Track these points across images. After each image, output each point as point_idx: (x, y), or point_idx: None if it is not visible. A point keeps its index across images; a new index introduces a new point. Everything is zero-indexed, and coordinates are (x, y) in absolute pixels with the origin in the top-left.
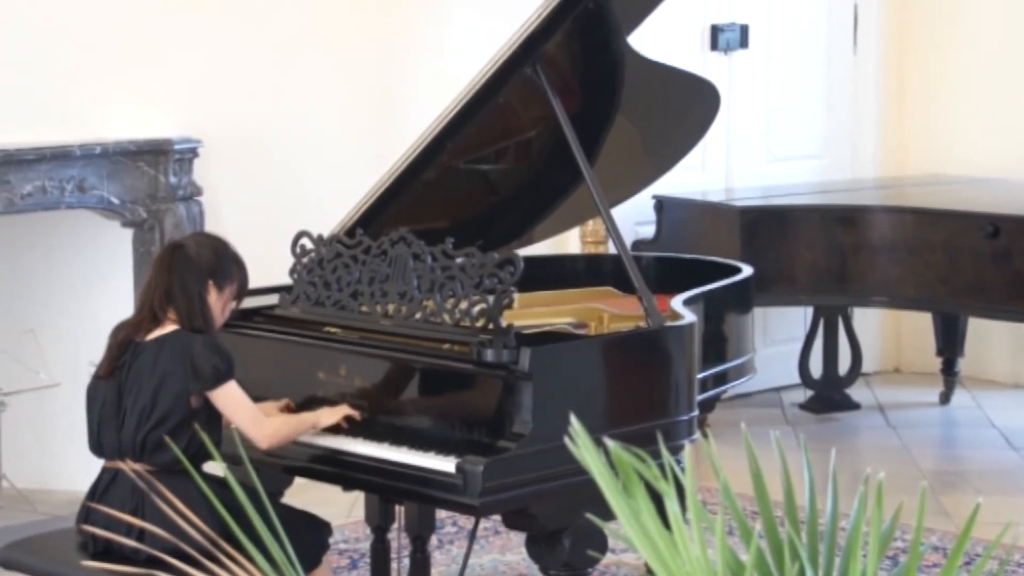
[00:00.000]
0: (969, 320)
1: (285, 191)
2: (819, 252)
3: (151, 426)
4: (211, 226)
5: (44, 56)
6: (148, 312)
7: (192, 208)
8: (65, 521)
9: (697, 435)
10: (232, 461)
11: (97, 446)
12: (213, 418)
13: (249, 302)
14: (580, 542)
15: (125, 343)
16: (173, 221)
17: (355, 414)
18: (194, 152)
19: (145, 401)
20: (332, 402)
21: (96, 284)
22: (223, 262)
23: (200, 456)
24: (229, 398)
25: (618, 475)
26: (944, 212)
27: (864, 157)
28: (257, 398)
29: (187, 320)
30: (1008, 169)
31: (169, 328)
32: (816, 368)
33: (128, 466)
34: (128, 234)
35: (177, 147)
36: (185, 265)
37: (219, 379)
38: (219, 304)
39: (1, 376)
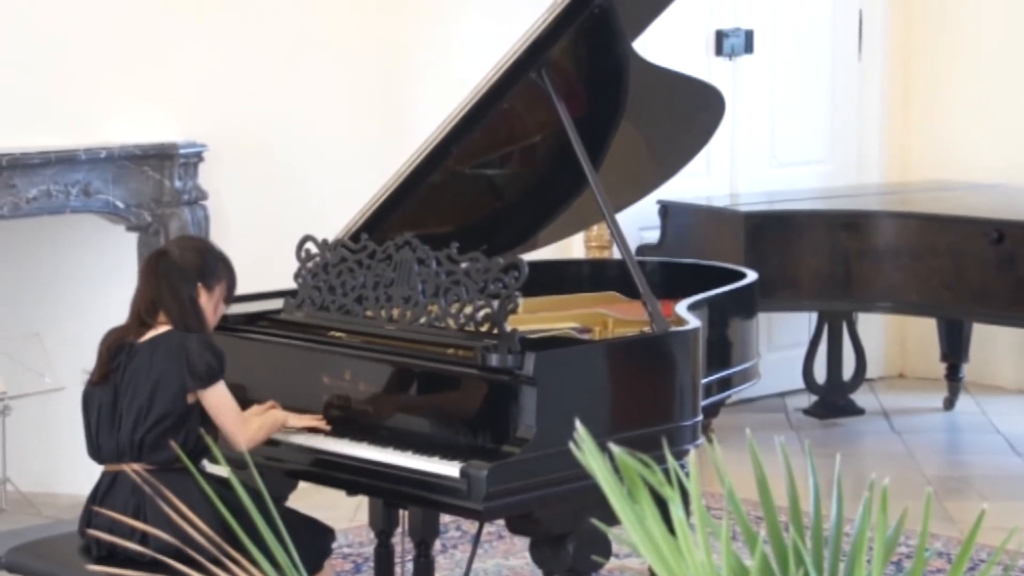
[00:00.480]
0: (973, 325)
1: (290, 195)
2: (823, 257)
3: (149, 426)
4: (216, 230)
5: (49, 60)
6: (136, 319)
7: (197, 212)
8: (69, 525)
9: (701, 440)
10: (235, 465)
11: (96, 451)
12: (208, 415)
13: (254, 306)
14: (584, 547)
15: (116, 348)
16: (178, 225)
17: (323, 427)
18: (199, 156)
19: (142, 401)
20: (337, 406)
21: (101, 288)
22: (209, 262)
23: (197, 452)
24: (219, 397)
25: (623, 480)
26: (949, 217)
27: (869, 162)
28: (258, 402)
29: (180, 323)
30: (1013, 174)
31: (162, 329)
32: (820, 373)
33: (128, 467)
34: (133, 238)
35: (182, 151)
36: (172, 271)
37: (212, 377)
38: (210, 305)
39: (6, 380)
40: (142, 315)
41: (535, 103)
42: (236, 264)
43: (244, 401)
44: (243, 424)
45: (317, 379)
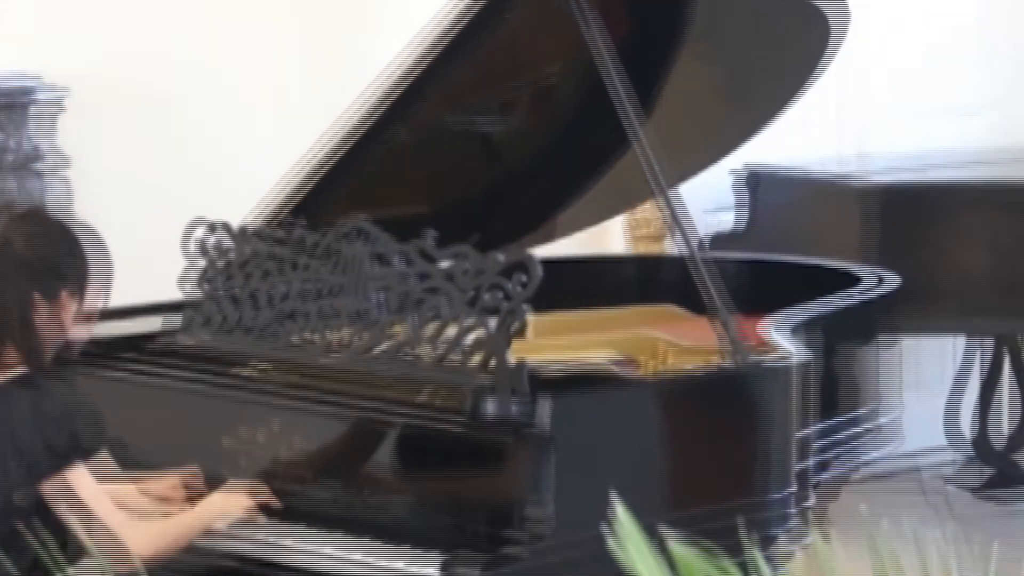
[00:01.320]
0: None
1: (189, 166)
2: (984, 253)
3: None
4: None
5: None
6: None
7: (56, 187)
8: None
9: (797, 522)
10: None
11: None
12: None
13: (131, 325)
14: None
15: None
16: (26, 205)
17: (267, 496)
18: (58, 105)
19: None
20: (257, 476)
21: None
22: (48, 260)
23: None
24: (82, 481)
25: None
26: None
27: None
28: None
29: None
30: None
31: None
32: (970, 425)
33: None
34: None
35: (33, 97)
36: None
37: (69, 456)
38: (55, 319)
39: None
40: None
41: (551, 20)
42: None
43: (125, 462)
44: (129, 524)
45: (213, 440)
